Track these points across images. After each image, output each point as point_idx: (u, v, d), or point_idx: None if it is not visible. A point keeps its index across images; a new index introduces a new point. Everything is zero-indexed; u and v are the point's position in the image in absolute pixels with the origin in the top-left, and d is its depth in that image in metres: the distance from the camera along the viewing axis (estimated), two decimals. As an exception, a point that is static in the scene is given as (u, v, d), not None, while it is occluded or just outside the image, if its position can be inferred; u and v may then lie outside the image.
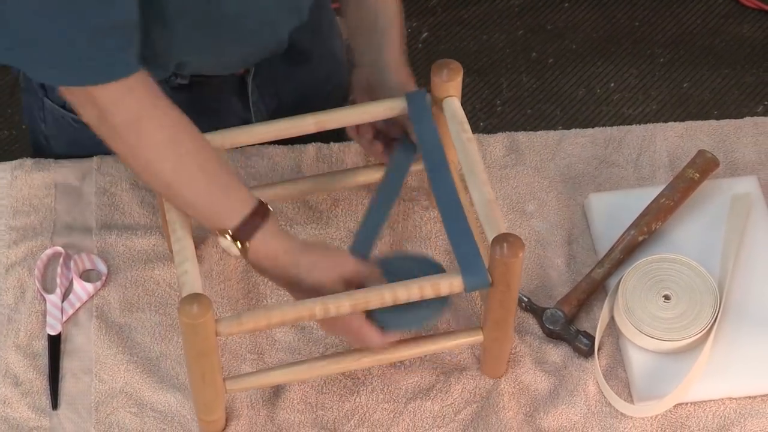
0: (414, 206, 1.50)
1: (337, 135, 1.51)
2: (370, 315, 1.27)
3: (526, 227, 1.50)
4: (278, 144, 1.54)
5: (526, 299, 1.44)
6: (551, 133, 1.57)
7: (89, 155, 1.53)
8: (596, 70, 2.58)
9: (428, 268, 1.29)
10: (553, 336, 1.43)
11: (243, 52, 1.43)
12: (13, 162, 1.53)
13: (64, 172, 1.53)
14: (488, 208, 1.28)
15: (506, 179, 1.53)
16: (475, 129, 2.46)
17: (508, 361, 1.39)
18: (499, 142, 1.56)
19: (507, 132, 1.57)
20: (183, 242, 1.27)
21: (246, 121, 1.56)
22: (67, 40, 1.16)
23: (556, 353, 1.42)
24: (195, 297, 1.20)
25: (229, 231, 1.26)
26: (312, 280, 1.26)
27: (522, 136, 1.56)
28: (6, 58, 1.20)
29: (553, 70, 2.59)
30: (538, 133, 1.57)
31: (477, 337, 1.34)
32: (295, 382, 1.38)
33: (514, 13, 2.66)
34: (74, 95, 1.22)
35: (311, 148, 1.54)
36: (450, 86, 1.35)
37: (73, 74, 1.19)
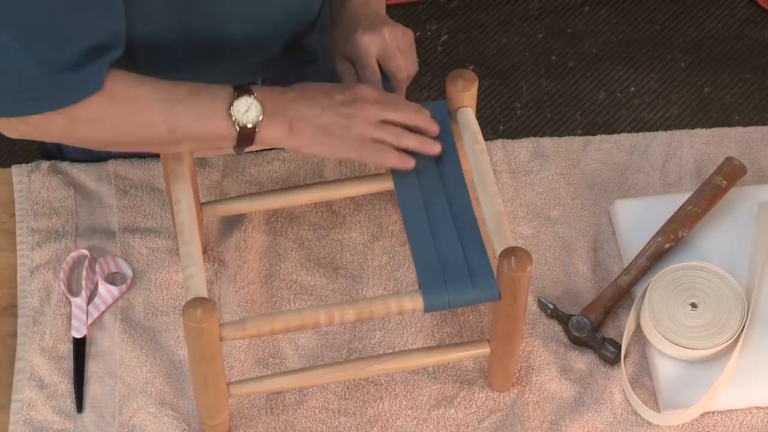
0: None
1: None
2: None
3: (550, 233, 1.50)
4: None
5: (551, 306, 1.44)
6: (576, 138, 1.58)
7: (101, 158, 1.54)
8: (616, 74, 2.58)
9: None
10: (578, 343, 1.43)
11: (228, 70, 1.43)
12: (29, 165, 1.54)
13: (81, 175, 1.53)
14: (498, 221, 1.29)
15: (531, 185, 1.54)
16: (495, 133, 2.47)
17: (516, 375, 1.40)
18: (524, 147, 1.57)
19: (532, 137, 1.58)
20: (190, 245, 1.27)
21: None
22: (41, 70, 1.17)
23: (582, 361, 1.42)
24: (199, 301, 1.21)
25: (234, 95, 1.24)
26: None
27: (547, 142, 1.57)
28: None
29: (573, 73, 2.59)
30: (563, 138, 1.57)
31: (484, 350, 1.35)
32: (299, 388, 1.38)
33: (533, 17, 2.67)
34: (34, 122, 1.22)
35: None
36: (465, 96, 1.37)
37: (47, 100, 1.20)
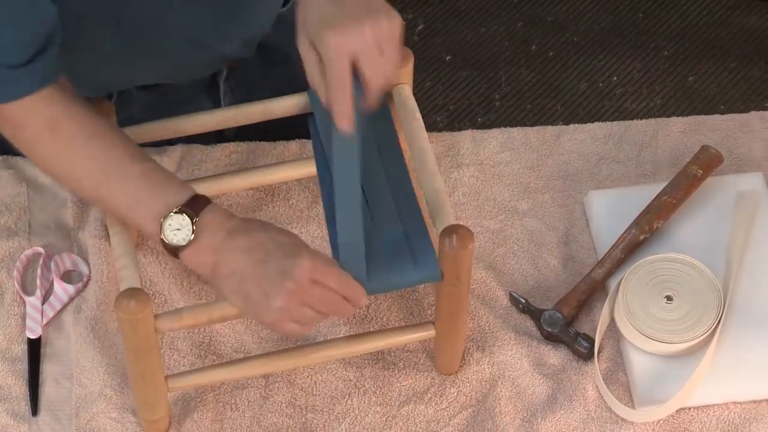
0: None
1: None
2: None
3: (519, 227, 1.50)
4: (260, 141, 1.54)
5: (523, 301, 1.44)
6: (549, 128, 1.57)
7: None
8: (598, 63, 2.58)
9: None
10: (551, 338, 1.43)
11: (168, 67, 1.40)
12: (-20, 160, 1.53)
13: (34, 169, 1.52)
14: (438, 199, 1.29)
15: (499, 177, 1.53)
16: (473, 124, 2.46)
17: (463, 358, 1.40)
18: (493, 138, 1.56)
19: (502, 128, 1.58)
20: (122, 235, 1.27)
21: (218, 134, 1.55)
22: None
23: (555, 356, 1.42)
24: (133, 292, 1.21)
25: (175, 209, 1.18)
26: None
27: (517, 132, 1.56)
28: None
29: (554, 63, 2.59)
30: (535, 128, 1.57)
31: (429, 332, 1.35)
32: (238, 379, 1.38)
33: (512, 4, 2.66)
34: None
35: (294, 144, 1.54)
36: (401, 73, 1.36)
37: None
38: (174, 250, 1.21)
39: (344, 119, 1.17)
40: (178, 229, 1.20)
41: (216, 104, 1.54)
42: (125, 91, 1.47)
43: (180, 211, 1.19)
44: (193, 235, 1.19)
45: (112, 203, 1.24)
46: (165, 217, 1.20)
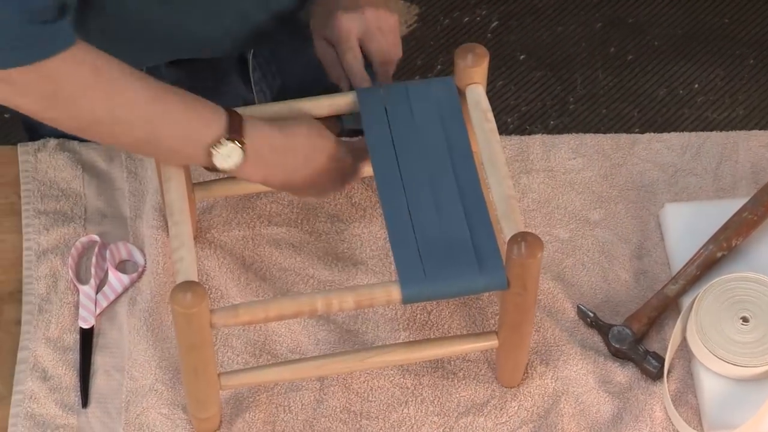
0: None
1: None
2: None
3: (590, 237, 1.49)
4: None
5: (591, 314, 1.43)
6: (623, 136, 1.56)
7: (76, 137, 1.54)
8: (679, 69, 2.56)
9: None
10: (619, 355, 1.42)
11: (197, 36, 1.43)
12: (36, 143, 1.54)
13: (91, 153, 1.54)
14: (508, 205, 1.29)
15: (570, 184, 1.53)
16: (545, 127, 2.45)
17: (525, 371, 1.40)
18: (565, 143, 1.55)
19: (574, 133, 1.57)
20: (180, 226, 1.28)
21: (248, 103, 1.57)
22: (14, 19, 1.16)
23: (622, 374, 1.41)
24: (189, 285, 1.21)
25: (224, 136, 1.26)
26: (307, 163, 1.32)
27: (590, 139, 1.56)
28: None
29: (633, 67, 2.57)
30: (609, 135, 1.56)
31: (491, 342, 1.35)
32: (292, 381, 1.39)
33: (592, 4, 2.65)
34: (16, 80, 1.21)
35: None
36: (475, 72, 1.36)
37: (25, 50, 1.19)
38: (223, 170, 1.29)
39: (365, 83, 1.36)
40: (228, 156, 1.27)
41: (246, 81, 1.55)
42: (155, 68, 1.48)
43: (229, 139, 1.27)
44: (244, 157, 1.28)
45: (160, 140, 1.26)
46: (214, 145, 1.26)
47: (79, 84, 1.22)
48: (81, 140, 1.54)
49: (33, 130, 1.59)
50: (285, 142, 1.30)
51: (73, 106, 1.24)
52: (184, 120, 1.26)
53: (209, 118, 1.27)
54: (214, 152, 1.26)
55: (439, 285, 1.25)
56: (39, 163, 1.53)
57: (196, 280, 1.23)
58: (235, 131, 1.27)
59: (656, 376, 1.40)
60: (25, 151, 1.54)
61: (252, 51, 1.52)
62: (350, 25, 1.36)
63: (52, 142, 1.54)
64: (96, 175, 1.53)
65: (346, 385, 1.39)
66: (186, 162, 1.33)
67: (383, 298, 1.25)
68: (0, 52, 1.19)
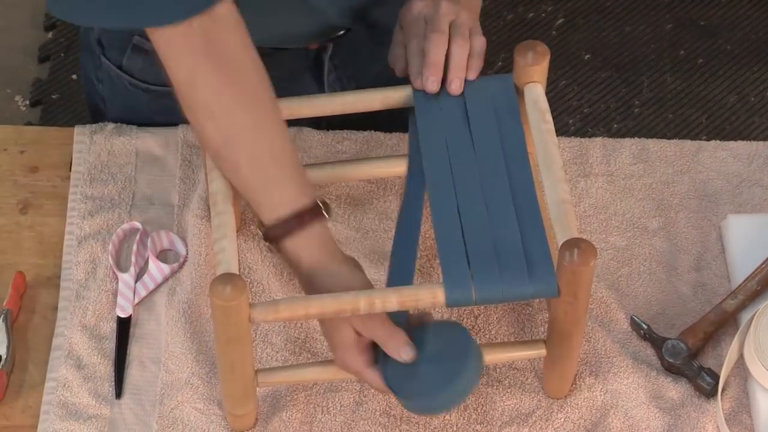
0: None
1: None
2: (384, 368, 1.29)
3: (647, 246, 1.48)
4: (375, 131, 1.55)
5: (645, 326, 1.42)
6: (687, 142, 1.55)
7: (144, 122, 1.55)
8: (752, 75, 2.54)
9: (456, 341, 1.28)
10: (672, 370, 1.41)
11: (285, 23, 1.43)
12: (93, 125, 1.56)
13: (148, 139, 1.55)
14: (562, 209, 1.28)
15: (630, 190, 1.52)
16: (607, 130, 2.44)
17: (573, 382, 1.39)
18: (626, 148, 1.55)
19: (636, 138, 1.56)
20: (223, 216, 1.28)
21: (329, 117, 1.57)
22: None
23: (675, 390, 1.40)
24: (229, 277, 1.21)
25: (261, 227, 1.28)
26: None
27: (653, 144, 1.55)
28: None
29: (702, 71, 2.55)
30: (673, 141, 1.55)
31: (539, 351, 1.34)
32: (332, 381, 1.39)
33: (662, 5, 2.63)
34: (174, 35, 1.23)
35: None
36: (534, 71, 1.36)
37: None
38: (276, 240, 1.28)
39: (433, 78, 1.33)
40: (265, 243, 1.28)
41: (319, 82, 1.55)
42: None
43: (266, 239, 1.28)
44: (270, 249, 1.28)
45: (237, 170, 1.28)
46: (260, 225, 1.27)
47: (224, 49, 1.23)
48: (140, 125, 1.55)
49: (98, 114, 1.61)
50: (310, 289, 1.28)
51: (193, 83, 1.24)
52: (262, 180, 1.27)
53: (267, 206, 1.27)
54: (261, 229, 1.28)
55: (486, 289, 1.25)
56: (93, 145, 1.54)
57: (237, 273, 1.24)
58: (271, 234, 1.27)
59: (710, 393, 1.39)
60: (81, 132, 1.55)
61: (329, 53, 1.53)
62: (419, 8, 1.35)
63: (110, 126, 1.56)
64: (149, 160, 1.54)
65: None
66: (250, 204, 1.32)
67: (428, 300, 1.25)
68: (159, 6, 1.19)
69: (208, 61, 1.23)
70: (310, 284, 1.28)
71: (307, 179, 1.30)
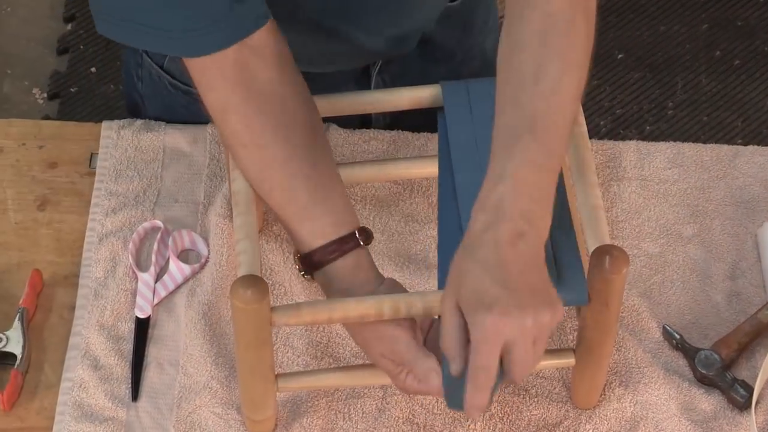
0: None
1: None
2: None
3: (681, 253, 1.48)
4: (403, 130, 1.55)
5: (678, 336, 1.42)
6: (724, 147, 1.55)
7: (182, 123, 1.56)
8: (790, 78, 2.54)
9: None
10: (704, 381, 1.41)
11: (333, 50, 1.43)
12: (121, 121, 1.56)
13: (176, 135, 1.55)
14: (593, 215, 1.28)
15: (664, 196, 1.52)
16: (640, 133, 2.44)
17: (602, 393, 1.39)
18: (660, 152, 1.54)
19: (671, 141, 1.55)
20: (245, 217, 1.29)
21: (364, 120, 1.57)
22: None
23: (707, 402, 1.40)
24: (251, 279, 1.21)
25: (295, 256, 1.28)
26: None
27: (688, 148, 1.55)
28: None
29: (739, 73, 2.55)
30: (709, 145, 1.55)
31: (568, 360, 1.34)
32: (354, 387, 1.39)
33: (698, 4, 2.63)
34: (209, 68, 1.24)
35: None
36: None
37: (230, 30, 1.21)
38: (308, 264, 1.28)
39: (476, 408, 1.15)
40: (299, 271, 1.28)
41: None
42: None
43: (301, 270, 1.27)
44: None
45: (269, 196, 1.28)
46: (312, 248, 1.26)
47: (260, 77, 1.23)
48: (168, 121, 1.56)
49: (136, 112, 1.62)
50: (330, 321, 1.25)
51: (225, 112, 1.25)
52: (294, 211, 1.26)
53: (299, 237, 1.27)
54: (296, 258, 1.28)
55: None
56: (120, 140, 1.55)
57: (259, 275, 1.24)
58: (304, 264, 1.26)
59: (744, 406, 1.39)
60: (108, 127, 1.56)
61: (378, 68, 1.53)
62: (499, 331, 1.12)
63: (138, 122, 1.56)
64: (177, 157, 1.54)
65: (410, 395, 1.40)
66: (288, 233, 1.31)
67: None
68: (211, 35, 1.20)
69: (240, 90, 1.24)
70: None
71: (348, 207, 1.29)
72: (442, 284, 1.24)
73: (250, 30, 1.22)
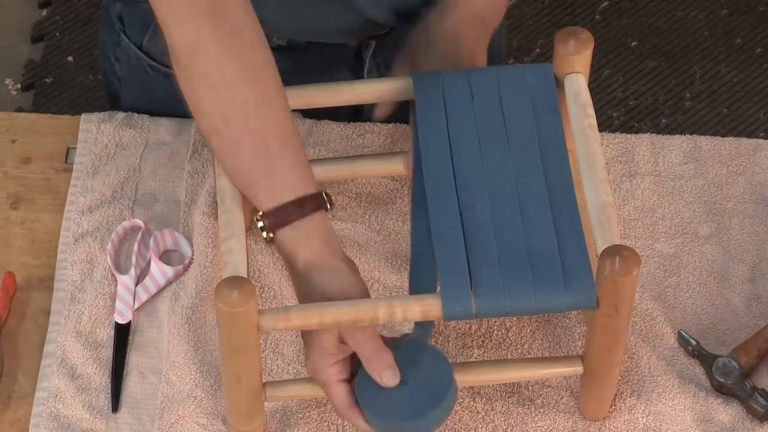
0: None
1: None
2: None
3: (697, 254, 1.49)
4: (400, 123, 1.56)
5: (694, 342, 1.43)
6: (744, 140, 1.55)
7: (162, 109, 1.56)
8: (815, 67, 2.55)
9: (436, 368, 1.29)
10: (723, 390, 1.41)
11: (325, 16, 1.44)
12: (101, 114, 1.57)
13: (159, 129, 1.55)
14: (603, 213, 1.28)
15: (680, 192, 1.52)
16: (655, 125, 2.44)
17: (613, 403, 1.39)
18: (676, 145, 1.55)
19: (688, 135, 1.56)
20: (231, 214, 1.29)
21: (356, 111, 1.57)
22: None
23: (725, 412, 1.40)
24: (236, 281, 1.22)
25: (259, 213, 1.27)
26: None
27: (706, 142, 1.55)
28: None
29: (761, 62, 2.55)
30: (728, 139, 1.55)
31: (576, 368, 1.35)
32: None
33: (718, -12, 2.64)
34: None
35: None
36: (576, 60, 1.36)
37: None
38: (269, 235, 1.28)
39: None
40: (261, 230, 1.27)
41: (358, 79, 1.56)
42: None
43: (263, 228, 1.27)
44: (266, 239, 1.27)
45: (224, 161, 1.28)
46: (281, 201, 1.26)
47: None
48: (152, 115, 1.56)
49: (113, 96, 1.62)
50: (303, 286, 1.28)
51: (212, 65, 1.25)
52: (264, 160, 1.26)
53: (266, 190, 1.27)
54: (256, 217, 1.27)
55: (518, 299, 1.25)
56: (100, 135, 1.55)
57: (245, 276, 1.24)
58: (270, 221, 1.26)
59: (764, 416, 1.39)
60: (87, 120, 1.56)
61: (371, 50, 1.53)
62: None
63: (120, 114, 1.56)
64: (158, 153, 1.54)
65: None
66: (247, 194, 1.32)
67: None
68: None
69: (212, 26, 1.24)
70: (306, 280, 1.27)
71: (310, 169, 1.29)
72: (414, 289, 1.25)
73: None
